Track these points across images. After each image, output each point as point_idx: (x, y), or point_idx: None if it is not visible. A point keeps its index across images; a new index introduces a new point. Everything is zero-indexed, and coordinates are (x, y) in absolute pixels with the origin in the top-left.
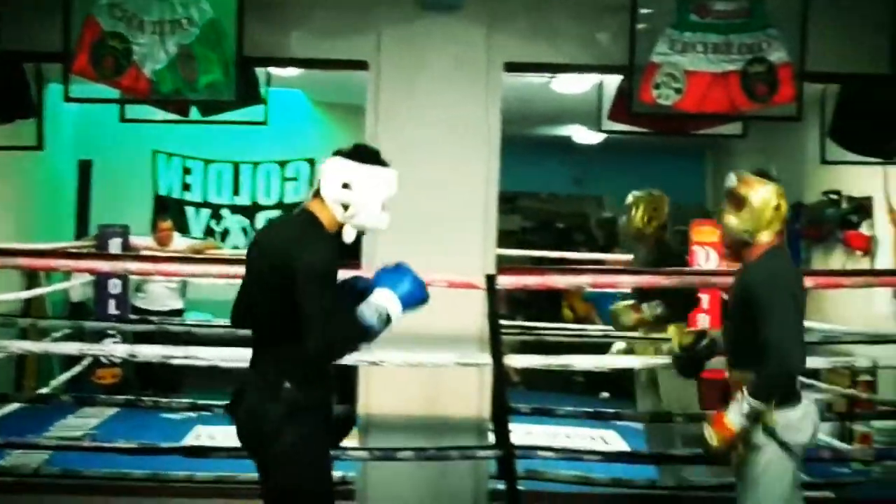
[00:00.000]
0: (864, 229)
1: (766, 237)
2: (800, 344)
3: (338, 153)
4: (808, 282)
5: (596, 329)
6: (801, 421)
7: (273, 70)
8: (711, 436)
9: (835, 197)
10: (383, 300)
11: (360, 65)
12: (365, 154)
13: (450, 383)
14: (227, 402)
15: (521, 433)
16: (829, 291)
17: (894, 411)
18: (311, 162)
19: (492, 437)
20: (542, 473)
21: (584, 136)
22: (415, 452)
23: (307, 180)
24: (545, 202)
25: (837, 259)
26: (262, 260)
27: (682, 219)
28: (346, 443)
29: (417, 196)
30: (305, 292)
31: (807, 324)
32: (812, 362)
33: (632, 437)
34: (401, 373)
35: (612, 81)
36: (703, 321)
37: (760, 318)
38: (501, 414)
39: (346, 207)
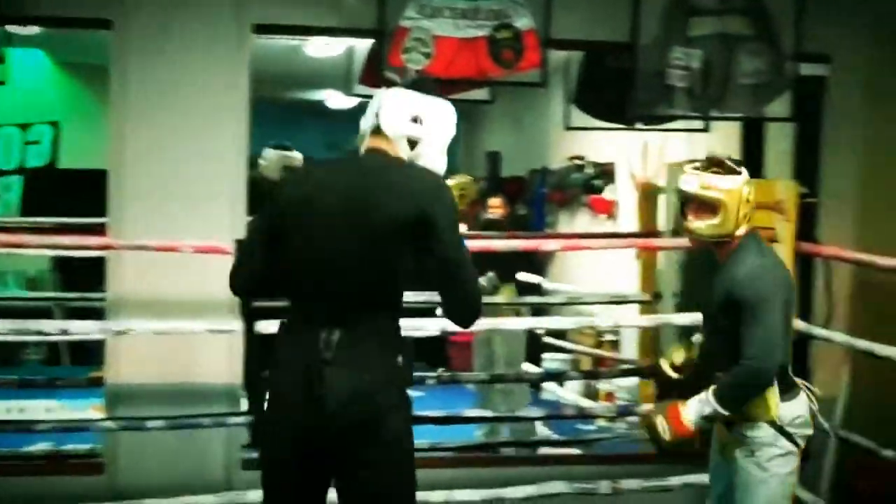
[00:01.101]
0: (607, 194)
1: (742, 230)
2: (780, 348)
3: (396, 85)
4: (554, 245)
5: None
6: (804, 411)
7: (12, 28)
8: (665, 430)
9: (580, 162)
10: None
11: (104, 24)
12: (431, 87)
13: (200, 351)
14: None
15: None
16: (575, 254)
17: (635, 369)
18: (55, 125)
19: (245, 405)
20: None
21: (338, 100)
22: (164, 421)
23: (49, 143)
24: None
25: (582, 222)
26: (362, 209)
27: None
28: (91, 414)
29: (164, 160)
30: (451, 239)
31: (553, 285)
32: (559, 323)
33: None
34: (149, 341)
35: (364, 45)
36: None
37: (742, 319)
38: (253, 380)
39: (413, 144)
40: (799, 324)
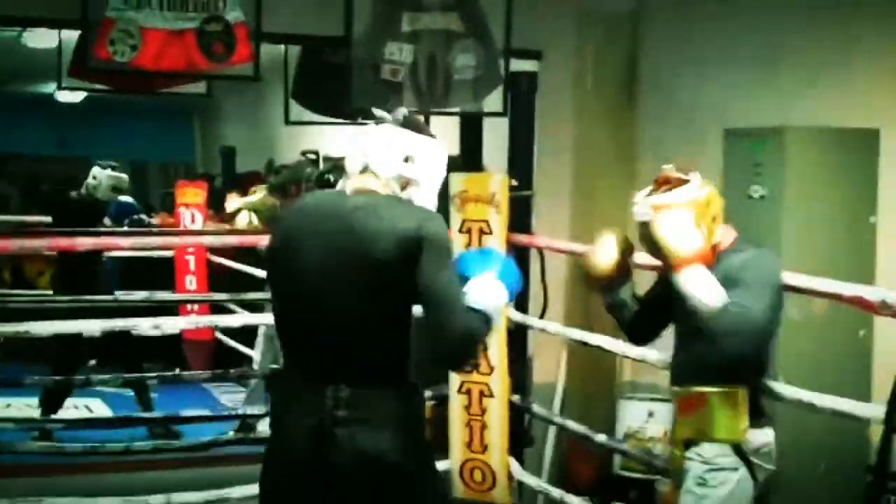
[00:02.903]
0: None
1: (729, 236)
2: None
3: (383, 121)
4: None
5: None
6: (772, 444)
7: None
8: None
9: (313, 156)
10: (491, 286)
11: None
12: (421, 126)
13: None
14: (278, 453)
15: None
16: None
17: None
18: None
19: None
20: (11, 446)
21: (68, 94)
22: None
23: None
24: (30, 164)
25: None
26: (351, 248)
27: (173, 180)
28: None
29: None
30: (438, 267)
31: None
32: None
33: (119, 404)
34: None
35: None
36: (190, 283)
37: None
38: None
39: (405, 185)
40: (515, 314)
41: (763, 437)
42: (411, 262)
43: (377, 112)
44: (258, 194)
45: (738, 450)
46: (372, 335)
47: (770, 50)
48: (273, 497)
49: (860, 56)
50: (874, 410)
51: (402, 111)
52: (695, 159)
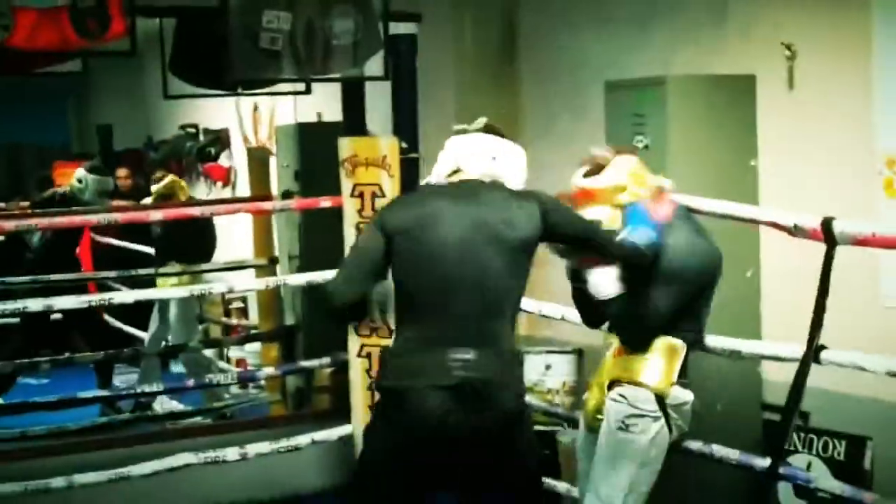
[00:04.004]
0: (223, 161)
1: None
2: None
3: (462, 130)
4: (158, 215)
5: None
6: (690, 404)
7: None
8: None
9: (192, 130)
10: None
11: None
12: (502, 132)
13: None
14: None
15: None
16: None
17: (256, 334)
18: None
19: None
20: None
21: None
22: None
23: None
24: None
25: (201, 191)
26: (494, 227)
27: (48, 162)
28: None
29: None
30: (571, 214)
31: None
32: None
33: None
34: None
35: None
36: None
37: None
38: None
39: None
40: None
41: (686, 394)
42: (544, 230)
43: (458, 126)
44: (165, 181)
45: (661, 402)
46: (503, 303)
47: (648, 3)
48: (404, 453)
49: (735, 5)
50: (789, 351)
51: (483, 120)
52: (578, 115)
